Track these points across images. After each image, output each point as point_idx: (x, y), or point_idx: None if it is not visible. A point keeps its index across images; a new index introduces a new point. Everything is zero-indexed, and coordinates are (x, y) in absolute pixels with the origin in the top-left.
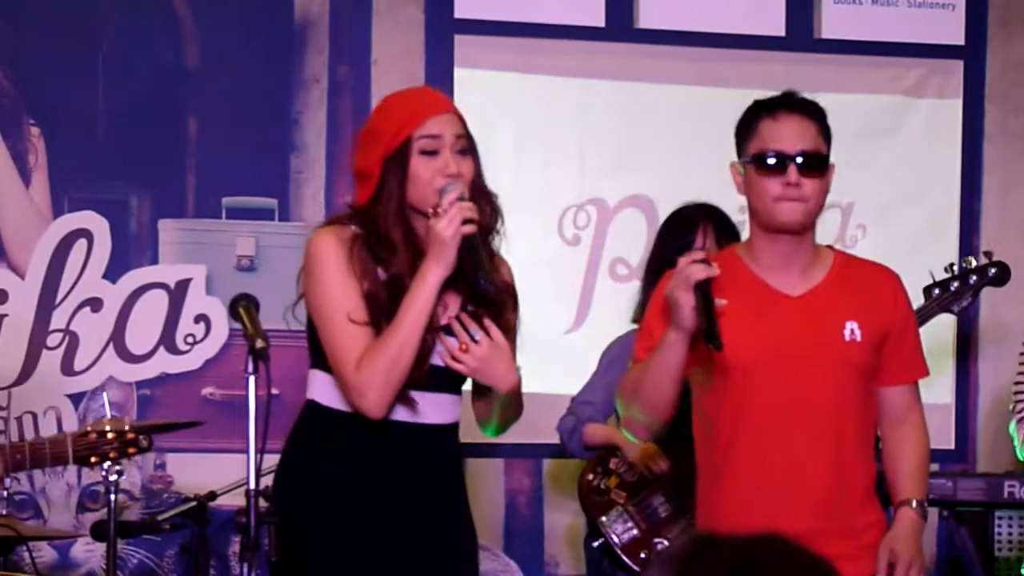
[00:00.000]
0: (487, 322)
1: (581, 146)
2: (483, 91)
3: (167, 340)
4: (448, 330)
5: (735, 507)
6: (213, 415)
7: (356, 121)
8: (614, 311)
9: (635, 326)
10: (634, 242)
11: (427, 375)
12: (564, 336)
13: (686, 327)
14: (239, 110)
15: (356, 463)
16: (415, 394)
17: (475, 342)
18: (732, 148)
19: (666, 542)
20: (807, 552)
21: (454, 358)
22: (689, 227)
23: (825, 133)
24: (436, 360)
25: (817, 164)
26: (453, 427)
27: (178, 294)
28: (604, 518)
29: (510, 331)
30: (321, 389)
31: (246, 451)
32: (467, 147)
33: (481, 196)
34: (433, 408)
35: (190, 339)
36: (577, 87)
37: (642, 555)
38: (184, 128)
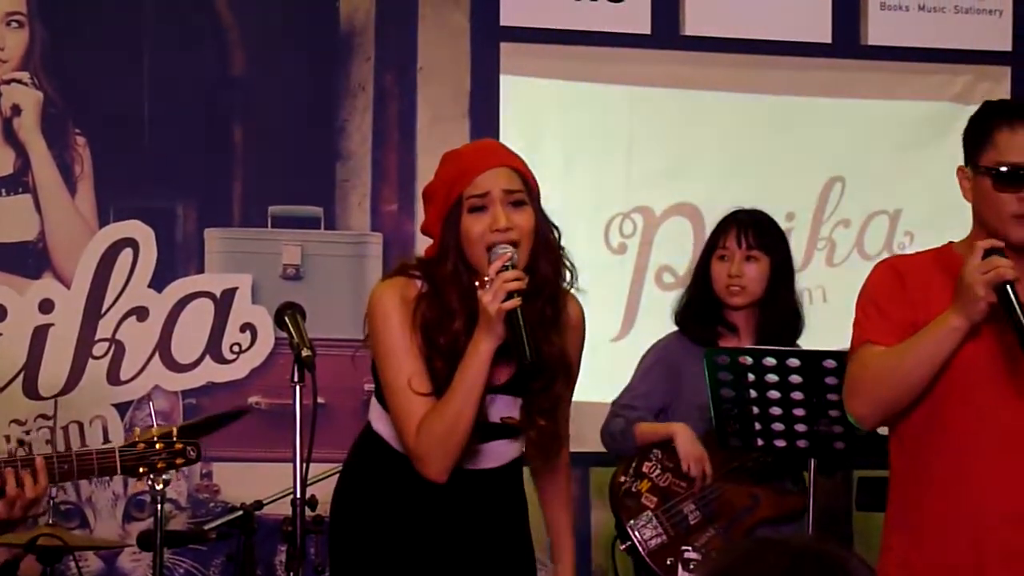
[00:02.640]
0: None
1: (628, 154)
2: (530, 98)
3: (213, 349)
4: (506, 388)
5: (940, 533)
6: (259, 424)
7: (403, 129)
8: (660, 319)
9: (676, 328)
10: (680, 250)
11: (484, 430)
12: (611, 344)
13: (977, 319)
14: (285, 118)
15: (416, 507)
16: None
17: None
18: (779, 155)
19: (692, 550)
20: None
21: None
22: (723, 226)
23: None
24: (493, 417)
25: None
26: (513, 464)
27: (224, 303)
28: (633, 521)
29: (558, 402)
30: (383, 423)
31: (292, 460)
32: (522, 198)
33: (543, 251)
34: (492, 454)
35: (236, 348)
36: (623, 95)
37: (668, 561)
38: (229, 136)
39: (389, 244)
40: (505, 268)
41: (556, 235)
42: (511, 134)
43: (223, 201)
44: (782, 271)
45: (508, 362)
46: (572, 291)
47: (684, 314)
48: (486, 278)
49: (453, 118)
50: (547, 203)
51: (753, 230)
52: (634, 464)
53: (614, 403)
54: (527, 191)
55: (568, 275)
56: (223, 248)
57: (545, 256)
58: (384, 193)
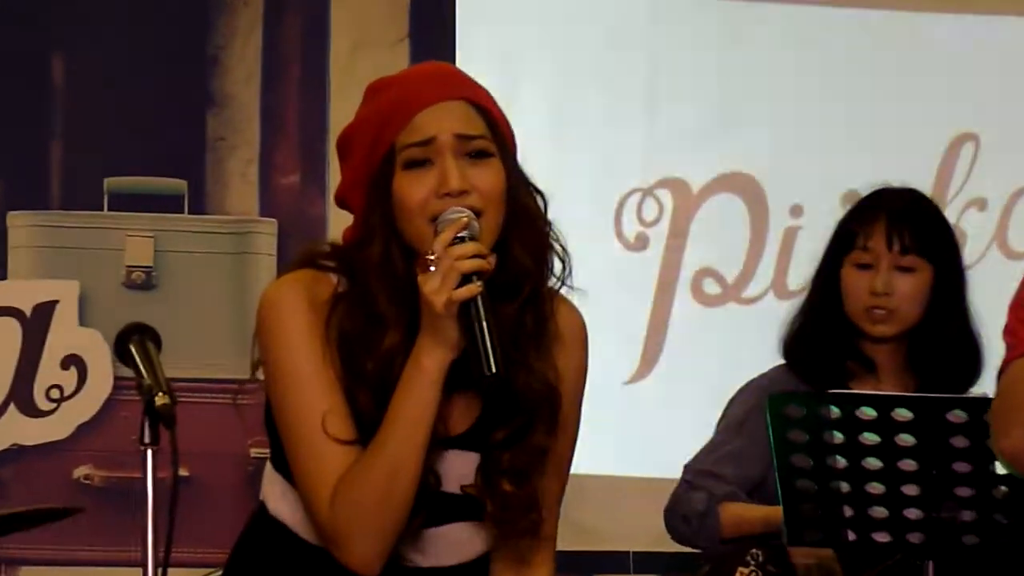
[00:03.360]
0: None
1: (648, 99)
2: (501, 17)
3: (20, 395)
4: (469, 440)
5: None
6: (92, 509)
7: (309, 60)
8: (702, 349)
9: (781, 361)
10: (730, 244)
11: (436, 503)
12: (623, 388)
13: None
14: (127, 44)
15: None
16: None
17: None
18: (879, 101)
19: None
20: None
21: None
22: (862, 216)
23: None
24: (450, 486)
25: None
26: (479, 563)
27: (36, 325)
28: None
29: (537, 458)
30: (284, 502)
31: (142, 564)
32: (485, 147)
33: (519, 226)
34: (448, 544)
35: (55, 393)
36: (641, 7)
37: None
38: (45, 75)
39: (287, 234)
40: (460, 240)
41: (539, 203)
42: (473, 71)
43: (35, 171)
44: (949, 286)
45: (470, 394)
46: (563, 291)
47: (798, 343)
48: (429, 256)
49: (385, 44)
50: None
51: (910, 227)
52: (721, 572)
53: (687, 468)
54: (493, 136)
55: (558, 265)
56: (35, 240)
57: (522, 234)
58: (279, 157)
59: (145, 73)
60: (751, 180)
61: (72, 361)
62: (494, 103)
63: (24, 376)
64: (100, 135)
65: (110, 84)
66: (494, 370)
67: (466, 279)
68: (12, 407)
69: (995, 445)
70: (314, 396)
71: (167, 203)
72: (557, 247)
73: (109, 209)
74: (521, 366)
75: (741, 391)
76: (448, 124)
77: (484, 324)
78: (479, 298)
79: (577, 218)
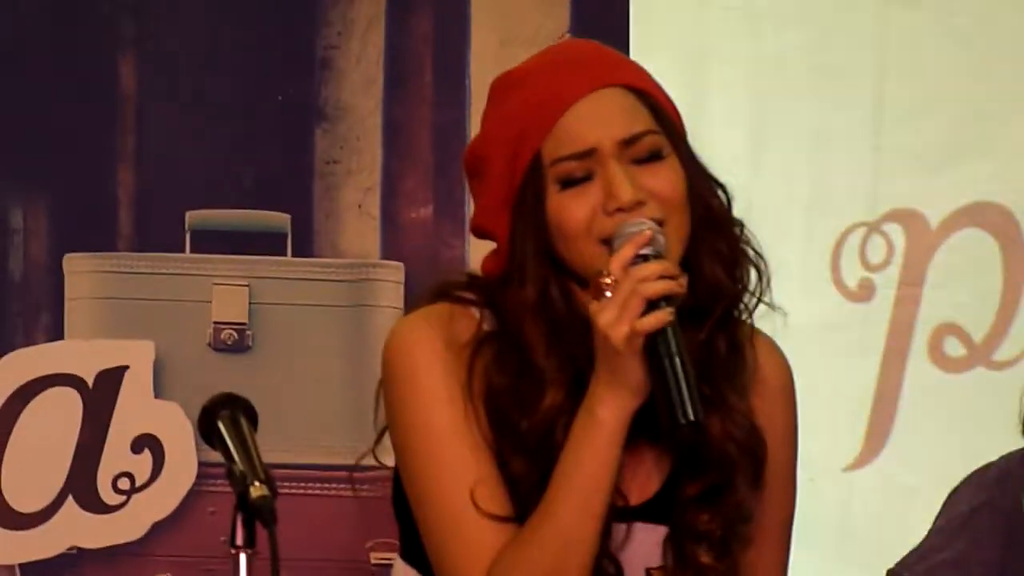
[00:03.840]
0: None
1: (875, 107)
2: (679, 5)
3: (80, 485)
4: (650, 513)
5: None
6: None
7: (444, 63)
8: (943, 426)
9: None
10: (978, 293)
11: None
12: (842, 476)
13: None
14: (215, 44)
15: None
16: None
17: None
18: None
19: None
20: None
21: None
22: None
23: None
24: (633, 571)
25: None
26: None
27: (100, 397)
28: None
29: (740, 518)
30: None
31: None
32: (656, 145)
33: (706, 233)
34: None
35: (124, 483)
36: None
37: None
38: (111, 81)
39: (416, 281)
40: (643, 259)
41: (724, 201)
42: (655, 55)
43: (99, 202)
44: None
45: (653, 453)
46: (758, 327)
47: None
48: (605, 280)
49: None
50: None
51: None
52: None
53: (897, 568)
54: (663, 128)
55: (755, 278)
56: (99, 291)
57: (711, 242)
58: (407, 185)
59: (237, 79)
60: (1004, 212)
61: (146, 442)
62: (653, 82)
63: (86, 461)
64: (180, 158)
65: (192, 93)
66: (692, 417)
67: (652, 306)
68: (70, 500)
69: None
70: (459, 461)
71: (265, 243)
72: (751, 253)
73: (192, 251)
74: (715, 407)
75: (967, 481)
76: (608, 127)
77: (677, 361)
78: (669, 329)
79: (784, 260)
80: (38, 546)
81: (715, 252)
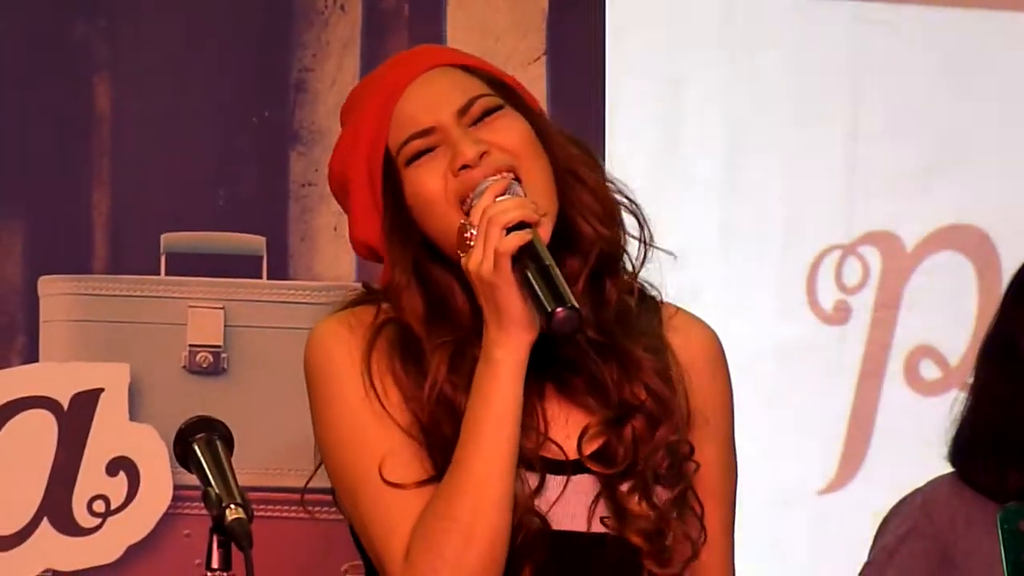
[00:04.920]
0: None
1: (849, 129)
2: (653, 33)
3: (55, 508)
4: (583, 466)
5: None
6: None
7: None
8: (918, 450)
9: (947, 469)
10: (954, 316)
11: (551, 550)
12: (817, 500)
13: None
14: (191, 66)
15: None
16: None
17: None
18: None
19: None
20: None
21: None
22: None
23: None
24: (567, 522)
25: None
26: None
27: (75, 419)
28: None
29: (676, 455)
30: None
31: None
32: (488, 104)
33: (570, 185)
34: None
35: (99, 506)
36: (845, 11)
37: None
38: (86, 102)
39: None
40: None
41: (585, 149)
42: (628, 100)
43: (74, 224)
44: None
45: (595, 409)
46: (652, 256)
47: (971, 446)
48: (469, 232)
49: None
50: (691, 229)
51: None
52: None
53: None
54: (494, 89)
55: (640, 231)
56: (74, 313)
57: (574, 193)
58: None
59: (212, 102)
60: (980, 234)
61: (121, 465)
62: (487, 63)
63: (60, 484)
64: (155, 180)
65: (167, 116)
66: (567, 302)
67: (513, 229)
68: (45, 523)
69: None
70: (369, 432)
71: (240, 265)
72: (623, 199)
73: (167, 273)
74: (613, 355)
75: (894, 511)
76: (441, 103)
77: (545, 262)
78: (533, 243)
79: (760, 282)
80: (12, 569)
81: (582, 205)
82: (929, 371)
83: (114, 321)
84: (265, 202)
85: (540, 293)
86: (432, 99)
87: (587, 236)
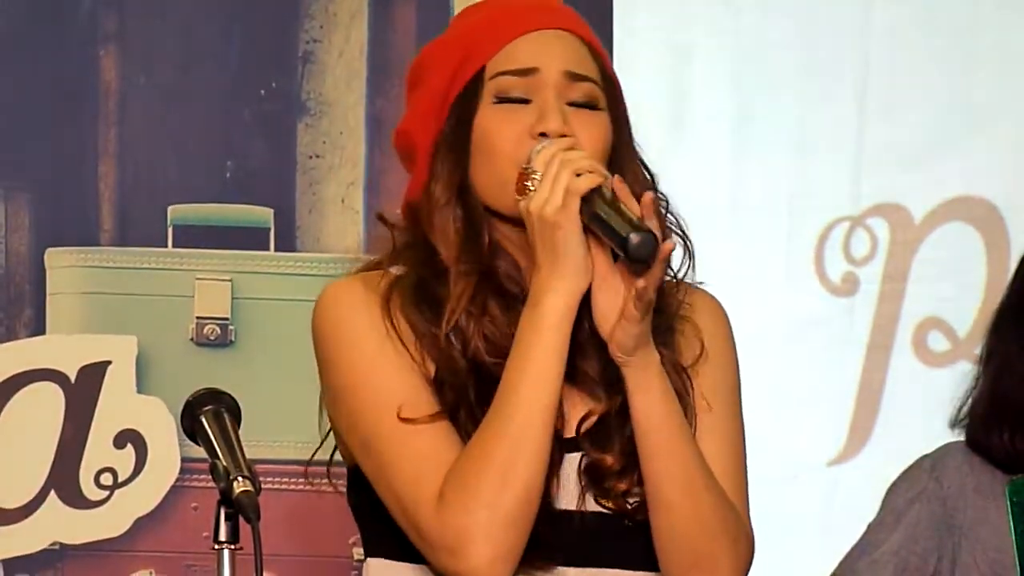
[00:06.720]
0: None
1: (858, 100)
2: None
3: (62, 481)
4: (593, 440)
5: None
6: None
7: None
8: (926, 421)
9: (956, 437)
10: (963, 286)
11: (577, 534)
12: (826, 471)
13: None
14: (198, 39)
15: None
16: (561, 570)
17: None
18: None
19: None
20: None
21: None
22: None
23: None
24: (592, 502)
25: None
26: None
27: (82, 392)
28: None
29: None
30: None
31: None
32: (596, 96)
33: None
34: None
35: (107, 479)
36: None
37: None
38: (92, 75)
39: None
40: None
41: (648, 177)
42: (637, 69)
43: (80, 196)
44: None
45: (591, 393)
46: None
47: (987, 416)
48: (532, 175)
49: None
50: (698, 201)
51: None
52: None
53: (841, 566)
54: (603, 84)
55: (681, 249)
56: (81, 285)
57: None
58: (391, 180)
59: (219, 74)
60: (988, 206)
61: (128, 438)
62: (604, 52)
63: (68, 457)
64: (162, 152)
65: (174, 88)
66: (646, 227)
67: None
68: (52, 496)
69: None
70: (385, 381)
71: (248, 237)
72: (676, 230)
73: (174, 245)
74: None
75: (903, 475)
76: (556, 56)
77: (616, 202)
78: (603, 188)
79: (768, 255)
80: (20, 542)
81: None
82: (937, 343)
83: (121, 293)
84: (272, 174)
85: (614, 223)
86: (549, 50)
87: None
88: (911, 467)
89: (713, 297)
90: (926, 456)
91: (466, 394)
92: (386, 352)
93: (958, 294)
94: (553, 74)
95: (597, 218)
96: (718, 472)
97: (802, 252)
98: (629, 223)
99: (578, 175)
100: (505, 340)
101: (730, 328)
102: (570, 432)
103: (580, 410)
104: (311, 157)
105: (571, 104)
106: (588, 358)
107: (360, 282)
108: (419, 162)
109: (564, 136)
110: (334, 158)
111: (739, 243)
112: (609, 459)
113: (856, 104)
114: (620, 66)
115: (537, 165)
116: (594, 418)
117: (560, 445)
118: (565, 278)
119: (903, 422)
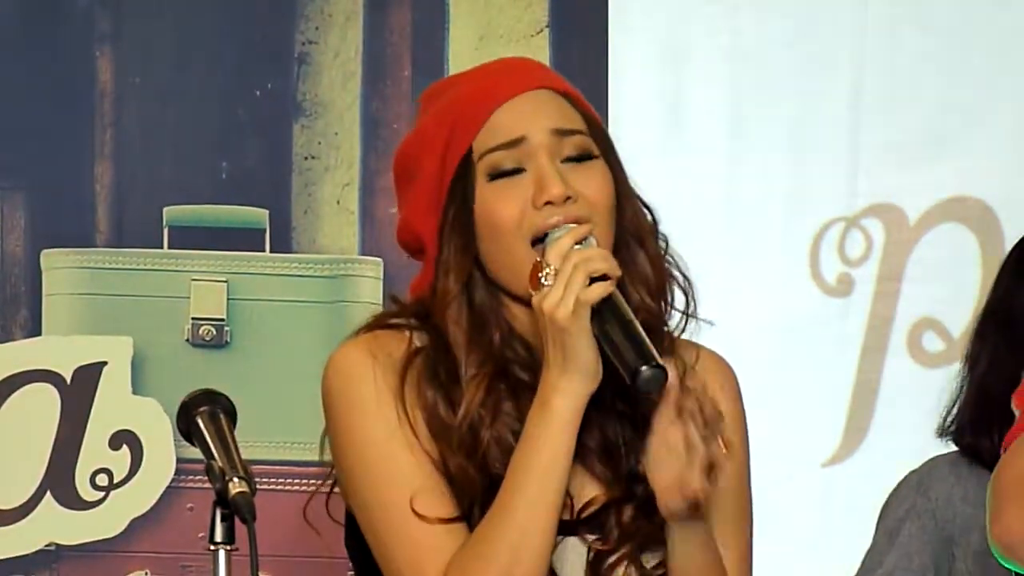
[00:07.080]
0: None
1: (852, 100)
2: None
3: (58, 482)
4: (579, 528)
5: None
6: None
7: (424, 53)
8: (921, 422)
9: (948, 447)
10: (958, 287)
11: None
12: (821, 472)
13: None
14: (194, 39)
15: None
16: None
17: None
18: None
19: None
20: None
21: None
22: None
23: None
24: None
25: None
26: None
27: (78, 393)
28: None
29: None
30: None
31: None
32: (588, 147)
33: (631, 245)
34: None
35: (102, 480)
36: None
37: None
38: (89, 76)
39: (396, 277)
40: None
41: (650, 220)
42: (633, 72)
43: (76, 196)
44: None
45: (595, 475)
46: (691, 324)
47: (967, 420)
48: (544, 269)
49: (519, 36)
50: (694, 200)
51: None
52: None
53: None
54: (592, 133)
55: (682, 297)
56: (76, 286)
57: (633, 262)
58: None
59: (214, 74)
60: (983, 206)
61: (124, 439)
62: (580, 95)
63: (64, 458)
64: (158, 153)
65: (170, 88)
66: (656, 360)
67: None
68: (48, 497)
69: (988, 531)
70: (397, 470)
71: (243, 238)
72: (677, 274)
73: (170, 246)
74: (631, 421)
75: (894, 493)
76: (539, 118)
77: (630, 319)
78: (614, 298)
79: (763, 255)
80: (16, 542)
81: (637, 273)
82: (932, 343)
83: (117, 294)
84: (268, 175)
85: (624, 349)
86: (531, 114)
87: (633, 304)
88: (899, 485)
89: (723, 360)
90: (913, 472)
91: (476, 500)
92: (398, 438)
93: (953, 295)
94: (541, 137)
95: (608, 338)
96: (731, 563)
97: (797, 252)
98: (638, 351)
99: (592, 279)
100: (517, 439)
101: (741, 400)
102: (570, 513)
103: (578, 488)
104: (306, 158)
105: (566, 160)
106: (588, 430)
107: (369, 350)
108: (427, 252)
109: (568, 198)
110: (329, 159)
111: (734, 243)
112: (609, 546)
113: (851, 105)
114: (616, 66)
115: (551, 258)
116: (595, 507)
117: (560, 527)
118: (574, 381)
119: (898, 423)
